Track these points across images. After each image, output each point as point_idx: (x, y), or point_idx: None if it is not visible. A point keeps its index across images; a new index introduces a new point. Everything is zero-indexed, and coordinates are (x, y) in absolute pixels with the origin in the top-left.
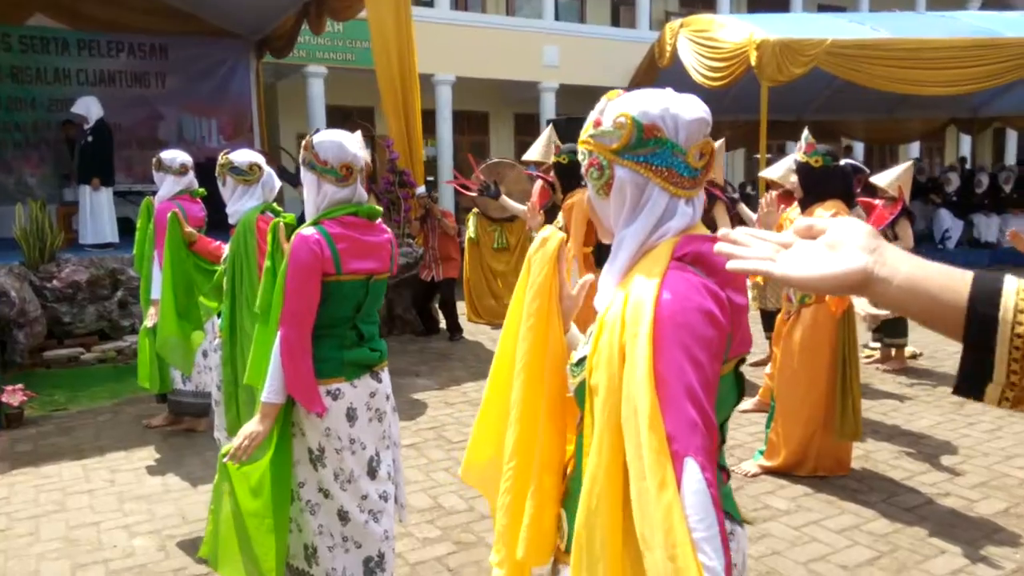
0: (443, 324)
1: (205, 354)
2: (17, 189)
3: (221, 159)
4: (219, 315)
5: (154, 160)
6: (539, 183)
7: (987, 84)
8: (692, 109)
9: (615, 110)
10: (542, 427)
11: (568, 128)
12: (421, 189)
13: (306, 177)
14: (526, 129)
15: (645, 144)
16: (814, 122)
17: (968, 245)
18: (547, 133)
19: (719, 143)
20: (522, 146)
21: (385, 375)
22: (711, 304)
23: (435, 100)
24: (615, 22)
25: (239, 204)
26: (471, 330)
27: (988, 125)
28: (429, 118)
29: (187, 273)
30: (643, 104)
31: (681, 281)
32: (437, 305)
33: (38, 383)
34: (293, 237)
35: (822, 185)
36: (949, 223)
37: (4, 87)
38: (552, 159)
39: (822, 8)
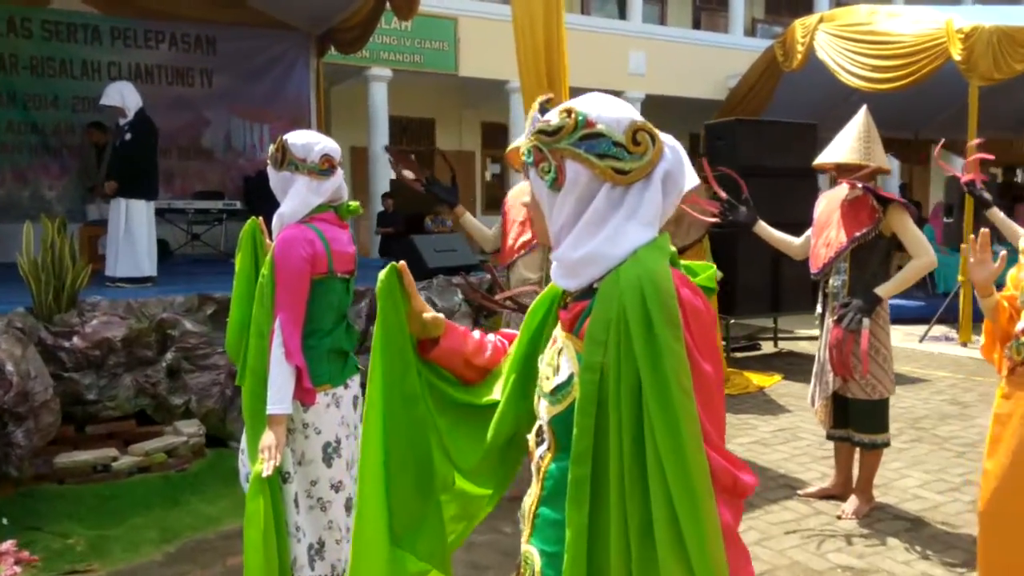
0: None
1: (349, 508)
2: (32, 204)
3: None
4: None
5: (272, 149)
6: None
7: None
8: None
9: None
10: None
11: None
12: None
13: None
14: None
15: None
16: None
17: None
18: (863, 119)
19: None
20: None
21: None
22: None
23: (508, 110)
24: (695, 27)
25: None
26: None
27: None
28: (501, 132)
29: (420, 422)
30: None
31: None
32: None
33: (44, 509)
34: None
35: None
36: None
37: (21, 80)
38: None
39: None
